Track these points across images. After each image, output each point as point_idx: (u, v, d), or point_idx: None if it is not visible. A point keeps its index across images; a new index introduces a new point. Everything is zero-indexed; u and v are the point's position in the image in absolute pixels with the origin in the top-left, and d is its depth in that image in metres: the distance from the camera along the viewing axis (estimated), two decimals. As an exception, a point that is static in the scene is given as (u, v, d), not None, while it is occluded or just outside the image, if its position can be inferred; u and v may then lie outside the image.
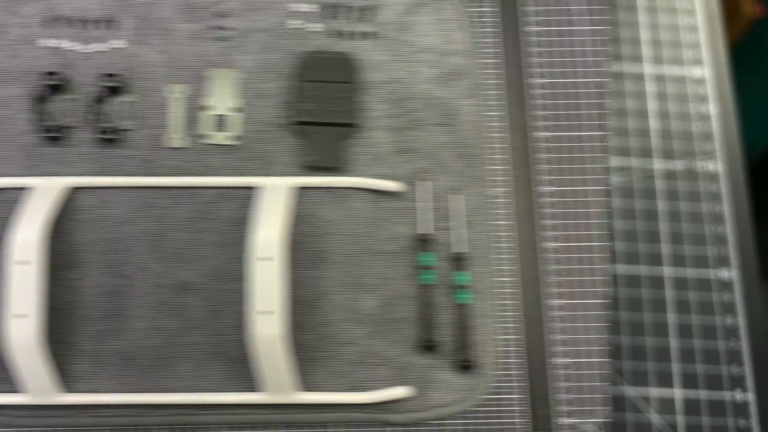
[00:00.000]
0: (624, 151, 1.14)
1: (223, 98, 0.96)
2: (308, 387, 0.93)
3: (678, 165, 1.13)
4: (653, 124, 1.15)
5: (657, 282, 1.08)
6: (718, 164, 1.13)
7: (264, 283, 0.86)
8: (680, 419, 1.02)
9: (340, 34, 0.98)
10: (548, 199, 1.00)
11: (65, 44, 0.97)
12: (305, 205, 0.95)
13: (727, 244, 1.09)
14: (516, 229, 1.00)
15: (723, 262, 1.09)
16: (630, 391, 1.04)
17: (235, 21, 0.98)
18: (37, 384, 0.89)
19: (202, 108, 0.96)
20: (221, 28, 0.98)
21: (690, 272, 1.09)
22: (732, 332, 1.06)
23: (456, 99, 0.97)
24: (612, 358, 1.04)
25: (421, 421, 0.94)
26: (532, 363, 0.97)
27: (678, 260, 1.09)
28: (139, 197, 0.95)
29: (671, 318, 1.07)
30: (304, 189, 0.96)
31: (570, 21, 1.04)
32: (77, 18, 0.97)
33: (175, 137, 0.96)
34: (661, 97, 1.16)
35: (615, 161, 1.13)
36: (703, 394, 1.03)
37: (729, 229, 1.10)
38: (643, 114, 1.15)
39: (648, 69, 1.17)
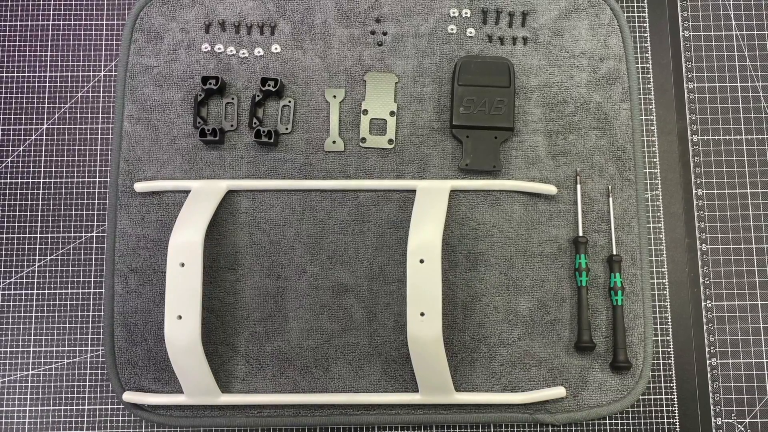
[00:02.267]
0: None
1: (379, 102, 0.97)
2: (463, 387, 0.93)
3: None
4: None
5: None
6: None
7: (422, 285, 0.87)
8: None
9: (494, 39, 0.99)
10: (700, 202, 1.00)
11: (223, 49, 0.99)
12: (461, 207, 0.96)
13: None
14: (664, 232, 0.99)
15: None
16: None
17: (391, 26, 0.99)
18: (197, 385, 0.90)
19: (359, 112, 0.97)
20: (377, 33, 0.99)
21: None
22: None
23: (610, 103, 0.98)
24: None
25: (576, 422, 0.94)
26: (681, 364, 0.97)
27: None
28: (297, 200, 0.96)
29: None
30: (459, 192, 0.96)
31: (722, 26, 1.04)
32: (235, 23, 0.99)
33: (333, 140, 0.97)
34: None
35: None
36: None
37: None
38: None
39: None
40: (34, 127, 1.01)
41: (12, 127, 1.01)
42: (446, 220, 0.93)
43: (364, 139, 0.97)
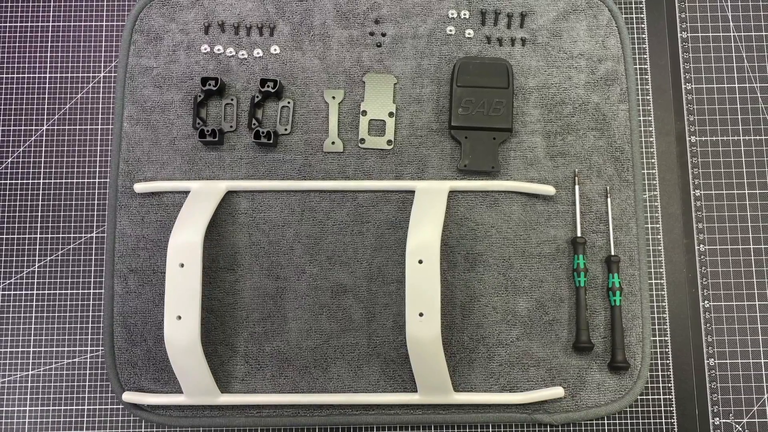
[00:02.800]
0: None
1: (379, 103, 0.98)
2: (462, 388, 0.93)
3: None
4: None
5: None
6: None
7: (421, 285, 0.87)
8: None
9: (493, 40, 0.99)
10: (698, 203, 1.00)
11: (223, 50, 0.99)
12: (460, 208, 0.96)
13: None
14: (662, 232, 1.00)
15: None
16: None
17: (390, 27, 0.99)
18: (196, 385, 0.90)
19: (358, 113, 0.98)
20: (376, 34, 0.99)
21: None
22: None
23: (608, 104, 0.98)
24: None
25: (574, 422, 0.94)
26: (679, 364, 0.97)
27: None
28: (296, 200, 0.96)
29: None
30: (458, 192, 0.96)
31: (720, 27, 1.04)
32: (235, 24, 0.99)
33: (332, 141, 0.97)
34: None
35: None
36: None
37: None
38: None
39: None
40: (33, 128, 1.01)
41: (12, 128, 1.01)
42: (445, 220, 0.94)
43: (363, 140, 0.97)
